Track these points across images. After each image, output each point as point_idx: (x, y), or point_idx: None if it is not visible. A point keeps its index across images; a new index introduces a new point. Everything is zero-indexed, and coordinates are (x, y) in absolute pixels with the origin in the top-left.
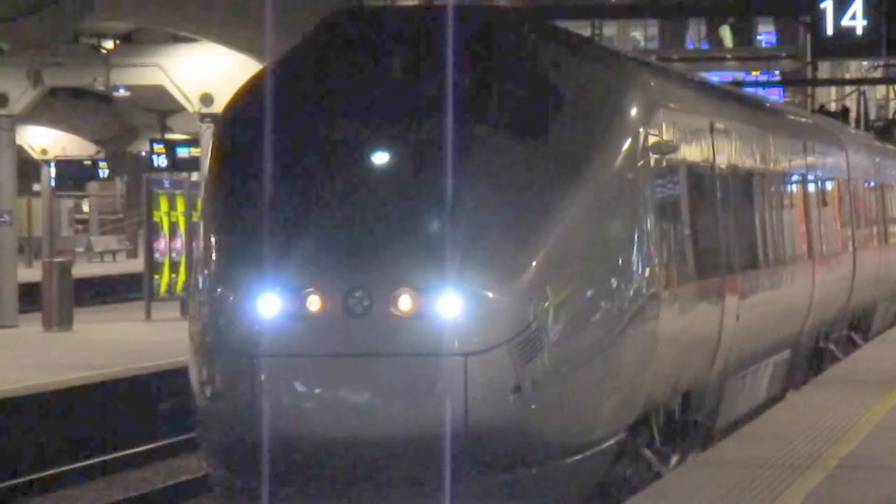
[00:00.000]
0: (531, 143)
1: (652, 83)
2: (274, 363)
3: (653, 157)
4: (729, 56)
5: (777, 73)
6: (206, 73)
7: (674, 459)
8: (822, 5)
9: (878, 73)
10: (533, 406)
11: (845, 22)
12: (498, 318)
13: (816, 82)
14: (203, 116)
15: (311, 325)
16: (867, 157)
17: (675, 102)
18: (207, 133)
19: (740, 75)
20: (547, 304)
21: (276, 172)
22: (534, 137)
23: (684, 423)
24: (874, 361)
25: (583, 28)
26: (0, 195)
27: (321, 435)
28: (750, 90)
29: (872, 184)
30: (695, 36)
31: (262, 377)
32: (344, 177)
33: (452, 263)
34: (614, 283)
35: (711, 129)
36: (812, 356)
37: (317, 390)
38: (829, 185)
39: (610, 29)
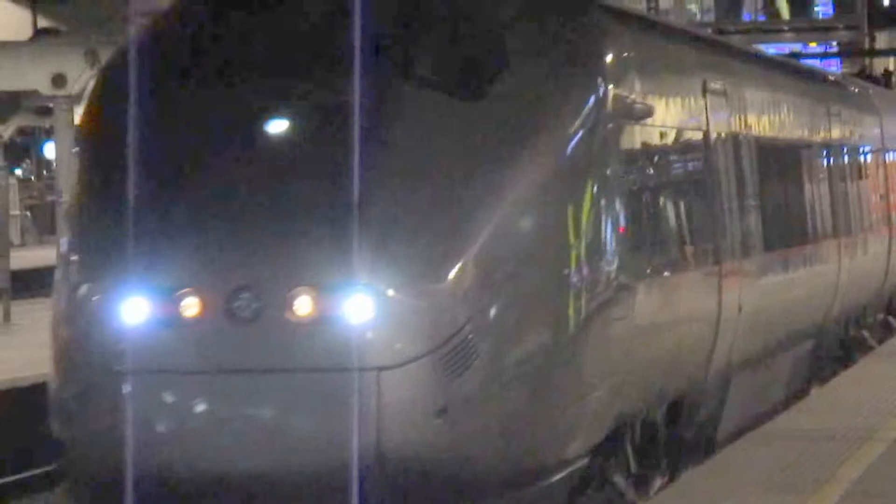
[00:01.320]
0: (464, 106)
1: (625, 33)
2: (140, 381)
3: (623, 122)
4: (786, 28)
5: (834, 44)
6: None
7: (658, 482)
8: None
9: None
10: (464, 430)
11: None
12: (419, 324)
13: (873, 52)
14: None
15: (186, 333)
16: None
17: (655, 57)
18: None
19: (797, 47)
20: (482, 304)
21: (147, 150)
22: (468, 98)
23: (672, 437)
24: None
25: (637, 2)
26: (61, 175)
27: (200, 470)
28: (806, 61)
29: None
30: (751, 8)
31: (126, 398)
32: (229, 153)
33: (362, 256)
34: (570, 276)
35: (705, 90)
36: (841, 345)
37: (193, 415)
38: (858, 155)
39: (666, 1)
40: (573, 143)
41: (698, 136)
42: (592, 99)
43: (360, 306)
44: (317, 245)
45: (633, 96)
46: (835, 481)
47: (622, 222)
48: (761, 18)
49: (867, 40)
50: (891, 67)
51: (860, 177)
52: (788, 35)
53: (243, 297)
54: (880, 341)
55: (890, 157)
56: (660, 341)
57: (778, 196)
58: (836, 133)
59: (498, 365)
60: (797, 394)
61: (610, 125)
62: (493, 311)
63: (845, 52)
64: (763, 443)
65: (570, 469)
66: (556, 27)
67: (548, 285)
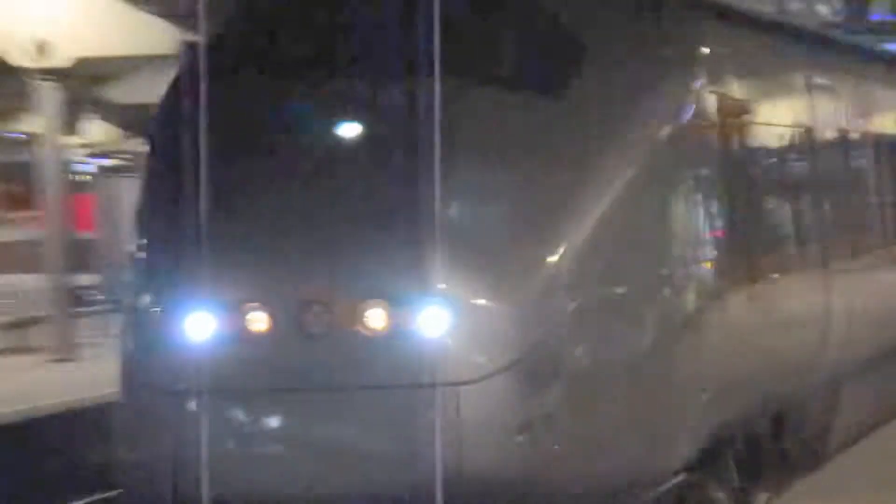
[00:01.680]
0: (545, 107)
1: (721, 29)
2: (206, 400)
3: (719, 121)
4: None
5: None
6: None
7: (763, 498)
8: None
9: None
10: (547, 447)
11: None
12: (497, 336)
13: None
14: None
15: (254, 349)
16: None
17: (753, 52)
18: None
19: None
20: (564, 314)
21: (210, 161)
22: (548, 98)
23: (777, 449)
24: None
25: (765, 5)
26: None
27: (271, 492)
28: None
29: None
30: (882, 9)
31: (190, 418)
32: (294, 161)
33: (436, 267)
34: (660, 282)
35: (808, 85)
36: None
37: (261, 435)
38: None
39: (796, 4)
40: (663, 144)
41: (802, 133)
42: (685, 97)
43: (434, 319)
44: (389, 256)
45: (729, 93)
46: None
47: (717, 224)
48: (890, 18)
49: None
50: None
51: None
52: None
53: (314, 310)
54: None
55: None
56: (761, 348)
57: (887, 195)
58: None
59: (582, 378)
60: None
61: (705, 124)
62: (575, 322)
63: None
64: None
65: (663, 487)
66: (648, 23)
67: (636, 293)
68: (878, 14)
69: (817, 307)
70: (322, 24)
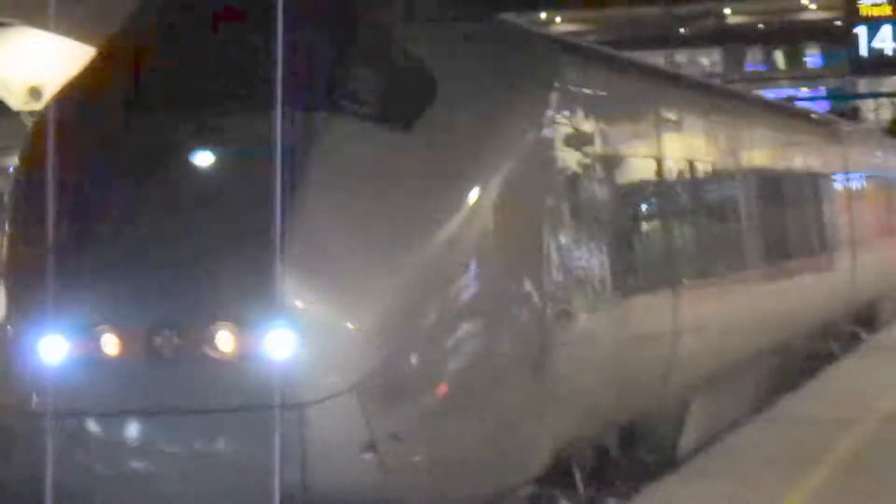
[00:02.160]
0: (394, 137)
1: (569, 65)
2: (58, 423)
3: (566, 152)
4: (782, 77)
5: (823, 89)
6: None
7: (610, 502)
8: (855, 31)
9: None
10: (394, 465)
11: (875, 44)
12: (344, 358)
13: (856, 96)
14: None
15: (106, 372)
16: (867, 152)
17: (603, 89)
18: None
19: (792, 92)
20: (411, 336)
21: (68, 182)
22: (400, 128)
23: (627, 457)
24: None
25: (657, 57)
26: None
27: None
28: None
29: (871, 178)
30: (753, 60)
31: (41, 440)
32: (150, 188)
33: (284, 290)
34: (503, 306)
35: (657, 119)
36: (809, 357)
37: (113, 457)
38: (820, 180)
39: (681, 56)
40: (513, 172)
41: (651, 163)
42: (530, 128)
43: (281, 341)
44: (238, 280)
45: (576, 124)
46: (827, 457)
47: (562, 250)
48: (762, 68)
49: (851, 86)
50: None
51: (824, 200)
52: (784, 82)
53: (163, 333)
54: (847, 350)
55: (853, 181)
56: (609, 367)
57: (736, 220)
58: (800, 160)
59: (428, 398)
60: (764, 406)
61: (551, 153)
62: (421, 345)
63: (831, 96)
64: (770, 425)
65: (509, 500)
66: (499, 56)
67: (481, 317)
68: (751, 65)
69: (665, 326)
70: (175, 57)
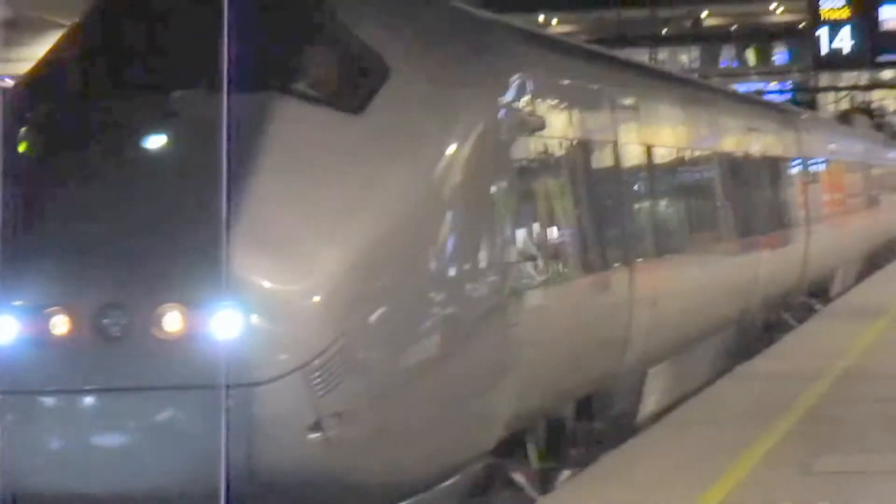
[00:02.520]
0: (343, 120)
1: (521, 49)
2: (8, 401)
3: (517, 134)
4: (752, 72)
5: (790, 83)
6: None
7: (566, 475)
8: (817, 32)
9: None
10: (341, 444)
11: (836, 44)
12: (290, 338)
13: (817, 90)
14: None
15: (56, 352)
16: (820, 137)
17: (556, 73)
18: None
19: (761, 86)
20: (357, 316)
21: (19, 163)
22: (347, 111)
23: (584, 429)
24: (862, 297)
25: (641, 54)
26: None
27: (72, 491)
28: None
29: (824, 162)
30: (727, 57)
31: None
32: (98, 168)
33: (232, 270)
34: (454, 284)
35: (612, 105)
36: (765, 327)
37: (63, 435)
38: (777, 163)
39: (663, 54)
40: (460, 155)
41: (605, 147)
42: (482, 111)
43: (228, 321)
44: (185, 261)
45: (528, 110)
46: (793, 408)
47: (516, 229)
48: (734, 65)
49: (814, 80)
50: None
51: (779, 182)
52: (754, 77)
53: (112, 314)
54: (801, 320)
55: (807, 164)
56: (561, 344)
57: (691, 200)
58: (754, 144)
59: (376, 377)
60: (723, 372)
61: (501, 136)
62: (368, 324)
63: (796, 89)
64: (741, 381)
65: (461, 474)
66: (452, 41)
67: (428, 296)
68: (725, 62)
69: (621, 302)
70: (121, 42)
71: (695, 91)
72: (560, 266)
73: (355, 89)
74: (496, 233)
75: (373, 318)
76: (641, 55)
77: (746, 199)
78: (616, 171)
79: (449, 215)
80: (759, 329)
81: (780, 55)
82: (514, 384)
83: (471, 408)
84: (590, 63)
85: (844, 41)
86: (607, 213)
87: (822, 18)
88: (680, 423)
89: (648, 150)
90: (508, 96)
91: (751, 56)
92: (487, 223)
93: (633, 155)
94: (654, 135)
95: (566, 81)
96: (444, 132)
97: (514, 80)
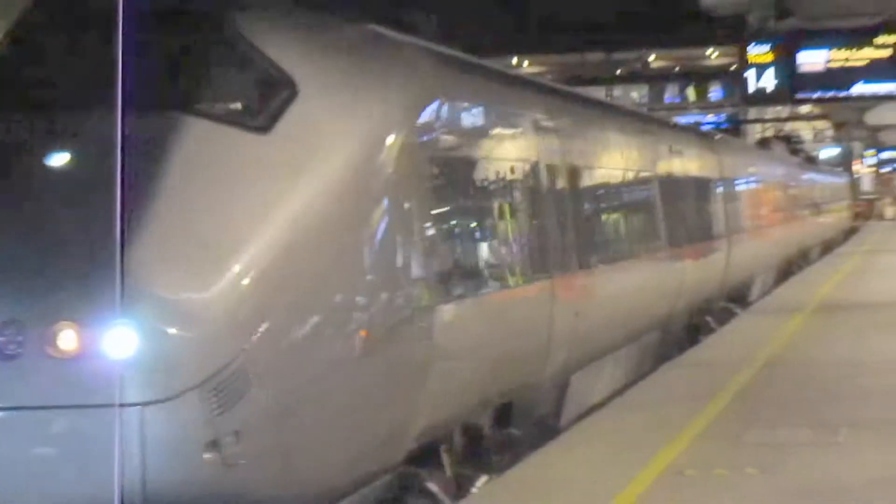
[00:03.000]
0: (248, 137)
1: (433, 70)
2: None
3: (431, 151)
4: (692, 106)
5: (724, 115)
6: None
7: (482, 480)
8: (746, 74)
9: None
10: (237, 464)
11: (761, 83)
12: (185, 357)
13: (746, 121)
14: None
15: None
16: (738, 159)
17: (473, 94)
18: None
19: (700, 118)
20: (258, 332)
21: None
22: (252, 129)
23: (503, 434)
24: (782, 297)
25: (599, 91)
26: None
27: None
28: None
29: (742, 180)
30: (671, 94)
31: None
32: None
33: (127, 288)
34: (361, 299)
35: (532, 125)
36: (688, 330)
37: None
38: (697, 182)
39: (617, 91)
40: (365, 173)
41: (524, 165)
42: (387, 129)
43: (123, 340)
44: (80, 279)
45: (442, 129)
46: (726, 390)
47: (424, 246)
48: (677, 100)
49: (743, 114)
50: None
51: (700, 198)
52: (694, 110)
53: (7, 332)
54: (722, 323)
55: (727, 183)
56: (478, 356)
57: (614, 216)
58: (676, 164)
59: (278, 394)
60: (648, 373)
61: (411, 154)
62: (270, 340)
63: (729, 122)
64: (681, 368)
65: (369, 487)
66: (361, 62)
67: (334, 311)
68: (669, 98)
69: (540, 315)
70: (26, 58)
71: (618, 116)
72: (477, 280)
73: (262, 108)
74: (407, 248)
75: (274, 334)
76: (599, 92)
77: (669, 214)
78: (536, 189)
79: (355, 231)
80: (682, 332)
81: (715, 92)
82: (425, 397)
83: (378, 422)
84: (508, 86)
85: (768, 81)
86: (528, 230)
87: (749, 62)
88: (624, 407)
89: (571, 168)
90: (419, 115)
91: (691, 93)
92: (397, 238)
93: (553, 173)
94: (576, 154)
95: (483, 102)
96: (350, 150)
97: (426, 100)
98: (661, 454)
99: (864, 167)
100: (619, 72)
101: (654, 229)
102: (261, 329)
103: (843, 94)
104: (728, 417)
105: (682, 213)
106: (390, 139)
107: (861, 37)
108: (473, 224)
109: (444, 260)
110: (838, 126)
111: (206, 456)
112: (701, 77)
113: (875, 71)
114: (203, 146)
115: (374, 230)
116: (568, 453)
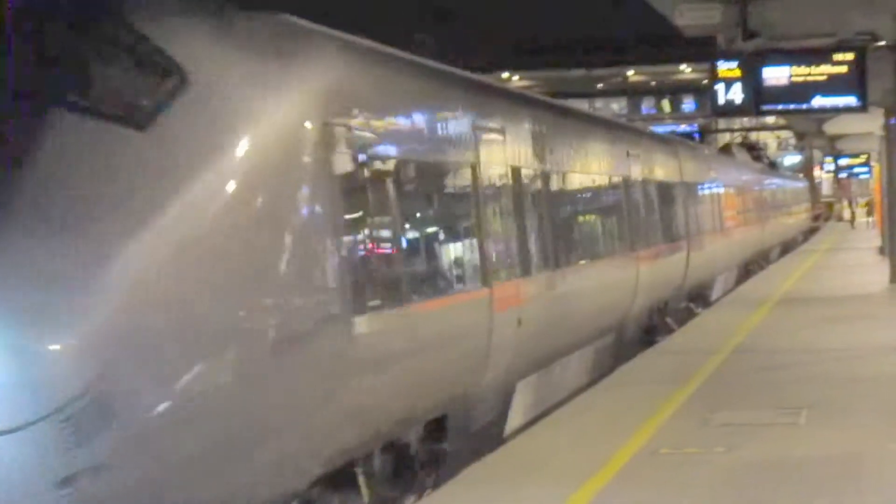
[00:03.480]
0: (128, 134)
1: (342, 64)
2: None
3: (337, 149)
4: (667, 117)
5: (696, 125)
6: None
7: (410, 500)
8: (716, 87)
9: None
10: (99, 499)
11: (730, 96)
12: (37, 384)
13: (717, 131)
14: None
15: None
16: (701, 165)
17: (387, 89)
18: None
19: (674, 128)
20: (122, 354)
21: None
22: (133, 126)
23: (435, 449)
24: (752, 291)
25: (582, 104)
26: None
27: None
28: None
29: (703, 186)
30: (648, 105)
31: None
32: None
33: None
34: (251, 314)
35: (467, 123)
36: (647, 331)
37: None
38: (656, 185)
39: (598, 103)
40: (254, 171)
41: (456, 166)
42: (287, 123)
43: None
44: None
45: (349, 122)
46: (697, 375)
47: (329, 255)
48: (653, 111)
49: (714, 124)
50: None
51: (659, 201)
52: (669, 121)
53: None
54: (682, 322)
55: (686, 187)
56: (402, 370)
57: (560, 219)
58: (633, 169)
59: (143, 424)
60: (606, 373)
61: (315, 150)
62: (135, 363)
63: (703, 131)
64: (657, 355)
65: None
66: (257, 53)
67: (213, 331)
68: (646, 110)
69: (478, 323)
70: None
71: (568, 116)
72: (401, 288)
73: (146, 102)
74: (312, 255)
75: (144, 355)
76: (582, 104)
77: (623, 217)
78: (471, 190)
79: (249, 236)
80: (640, 333)
81: (687, 104)
82: (334, 418)
83: (272, 449)
84: (433, 80)
85: (736, 94)
86: (462, 234)
87: (719, 76)
88: (607, 388)
89: (513, 168)
90: (328, 108)
91: (665, 105)
92: (301, 244)
93: (491, 172)
94: (518, 153)
95: (407, 95)
96: (247, 146)
97: (337, 92)
98: (638, 433)
99: (823, 173)
100: (599, 86)
101: (606, 233)
102: (127, 350)
103: (804, 106)
104: (698, 400)
105: (638, 216)
106: (294, 134)
107: (820, 55)
108: (393, 228)
109: (359, 268)
110: (800, 136)
111: (61, 493)
112: (675, 90)
113: (833, 85)
114: (72, 143)
115: (273, 235)
116: (554, 430)
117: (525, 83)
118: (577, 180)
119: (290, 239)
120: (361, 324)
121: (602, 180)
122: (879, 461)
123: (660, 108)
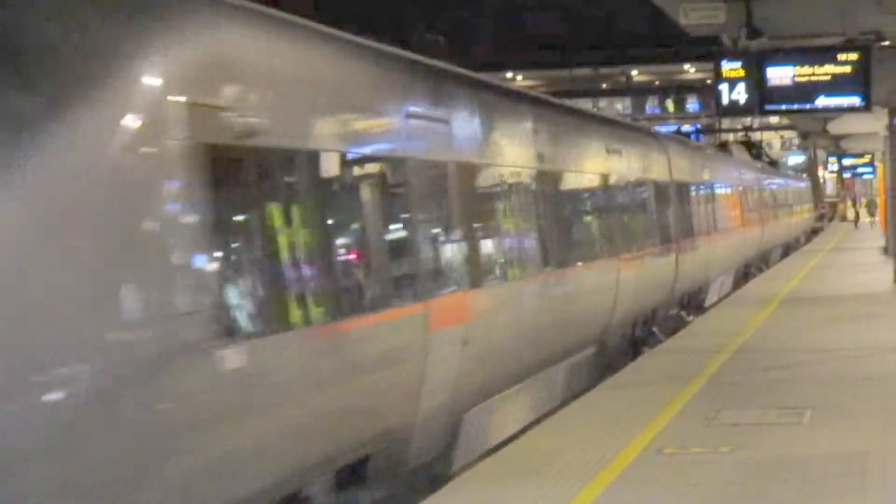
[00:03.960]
0: None
1: (214, 26)
2: None
3: (207, 133)
4: (671, 117)
5: (699, 125)
6: None
7: None
8: (720, 87)
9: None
10: None
11: (733, 96)
12: None
13: (721, 130)
14: None
15: None
16: (691, 163)
17: (283, 63)
18: None
19: (678, 127)
20: None
21: None
22: None
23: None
24: (757, 291)
25: (586, 103)
26: None
27: None
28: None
29: (694, 185)
30: (651, 105)
31: None
32: None
33: None
34: (73, 347)
35: (396, 107)
36: (632, 343)
37: None
38: (642, 184)
39: (602, 103)
40: (90, 161)
41: (367, 154)
42: (135, 100)
43: None
44: None
45: (223, 108)
46: (702, 375)
47: (211, 261)
48: (657, 111)
49: (718, 123)
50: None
51: (643, 201)
52: (672, 120)
53: None
54: (673, 332)
55: (676, 186)
56: (297, 409)
57: (518, 224)
58: (614, 165)
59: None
60: (587, 389)
61: (177, 135)
62: None
63: (705, 130)
64: (663, 355)
65: None
66: (110, 13)
67: (16, 370)
68: (650, 109)
69: (406, 348)
70: None
71: (535, 106)
72: (293, 309)
73: None
74: (166, 271)
75: None
76: (586, 103)
77: (598, 220)
78: (402, 187)
79: (82, 241)
80: (625, 345)
81: (692, 104)
82: (191, 472)
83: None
84: (345, 54)
85: (740, 94)
86: (383, 240)
87: (723, 76)
88: (614, 387)
89: (463, 165)
90: (195, 81)
91: (670, 104)
92: (151, 257)
93: (427, 167)
94: (463, 146)
95: (308, 74)
96: (78, 132)
97: (208, 62)
98: (643, 433)
99: (827, 173)
100: (604, 85)
101: (579, 235)
102: None
103: (808, 106)
104: (703, 399)
105: (620, 217)
106: (149, 114)
107: (824, 54)
108: (285, 232)
109: (231, 283)
110: (804, 135)
111: None
112: (679, 90)
113: (837, 85)
114: None
115: (113, 240)
116: (558, 430)
117: (529, 83)
118: (543, 177)
119: (139, 248)
120: (229, 355)
121: (575, 178)
122: (884, 460)
123: (664, 108)
